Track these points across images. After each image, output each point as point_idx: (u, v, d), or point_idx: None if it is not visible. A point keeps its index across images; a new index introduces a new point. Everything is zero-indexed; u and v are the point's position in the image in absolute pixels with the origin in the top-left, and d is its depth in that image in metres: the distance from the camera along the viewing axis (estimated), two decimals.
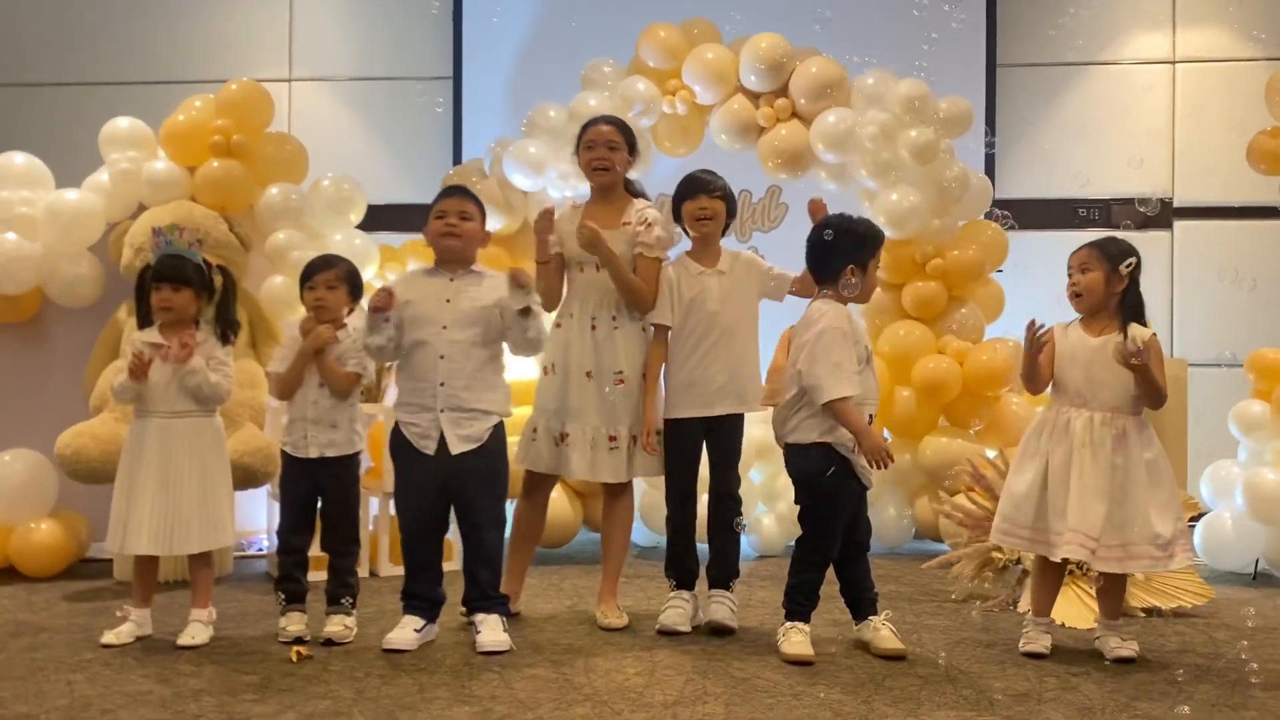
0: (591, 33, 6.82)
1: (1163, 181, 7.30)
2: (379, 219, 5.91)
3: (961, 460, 4.85)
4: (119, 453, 3.77)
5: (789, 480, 3.66)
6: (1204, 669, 3.48)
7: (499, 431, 3.70)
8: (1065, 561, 3.59)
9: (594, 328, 3.96)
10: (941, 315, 5.80)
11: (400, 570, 3.83)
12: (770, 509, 5.58)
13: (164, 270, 3.69)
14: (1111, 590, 3.65)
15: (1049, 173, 7.29)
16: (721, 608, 3.86)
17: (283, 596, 3.75)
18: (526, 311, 3.59)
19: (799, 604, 3.59)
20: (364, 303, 3.88)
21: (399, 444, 3.69)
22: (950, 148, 5.80)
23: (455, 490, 3.65)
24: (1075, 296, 3.63)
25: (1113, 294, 3.59)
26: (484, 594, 3.68)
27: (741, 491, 3.99)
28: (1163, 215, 7.22)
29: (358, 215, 5.76)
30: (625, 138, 4.05)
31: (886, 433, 5.87)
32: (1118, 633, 3.60)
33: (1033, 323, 3.62)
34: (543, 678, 3.27)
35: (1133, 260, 3.58)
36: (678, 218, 4.04)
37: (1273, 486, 4.94)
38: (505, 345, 3.74)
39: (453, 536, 3.79)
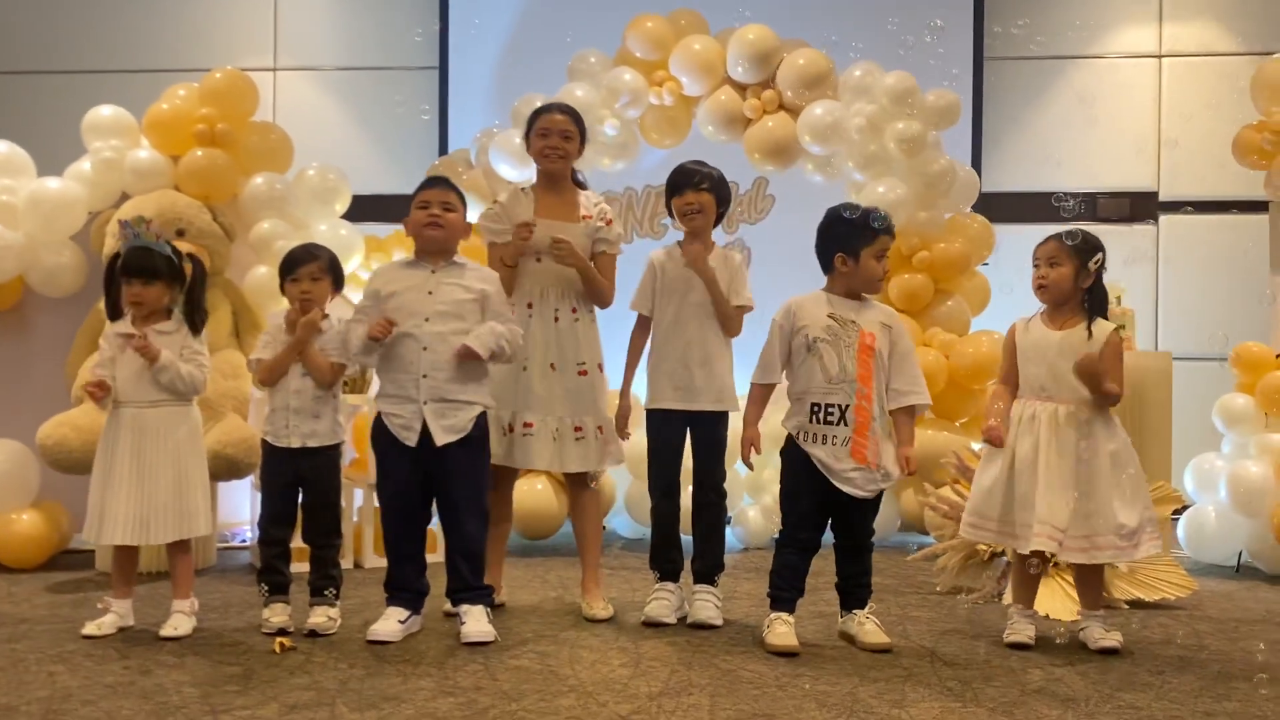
0: (578, 23, 6.80)
1: (1149, 175, 7.33)
2: (364, 209, 5.89)
3: (947, 453, 4.85)
4: None
5: (774, 473, 3.68)
6: (1187, 660, 3.49)
7: (482, 421, 3.69)
8: (1040, 553, 3.59)
9: (556, 319, 3.94)
10: (928, 308, 5.81)
11: (384, 561, 3.81)
12: (755, 501, 5.58)
13: (134, 264, 3.66)
14: (1089, 581, 3.66)
15: (1035, 166, 7.31)
16: (706, 606, 3.85)
17: (266, 588, 3.74)
18: (494, 358, 3.62)
19: (780, 589, 3.59)
20: (346, 292, 3.86)
21: (380, 435, 3.67)
22: (938, 140, 5.81)
23: (438, 481, 3.64)
24: (1040, 289, 3.64)
25: (1079, 289, 3.60)
26: (467, 584, 3.66)
27: (727, 484, 3.98)
28: (1148, 209, 7.25)
29: (343, 205, 5.73)
30: (579, 128, 4.04)
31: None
32: (1101, 623, 3.61)
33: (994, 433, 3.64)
34: (527, 669, 3.27)
35: (1100, 257, 3.59)
36: (670, 212, 4.03)
37: (1255, 479, 4.97)
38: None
39: (434, 527, 3.77)
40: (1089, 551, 3.50)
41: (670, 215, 4.03)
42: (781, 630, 3.52)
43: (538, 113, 4.05)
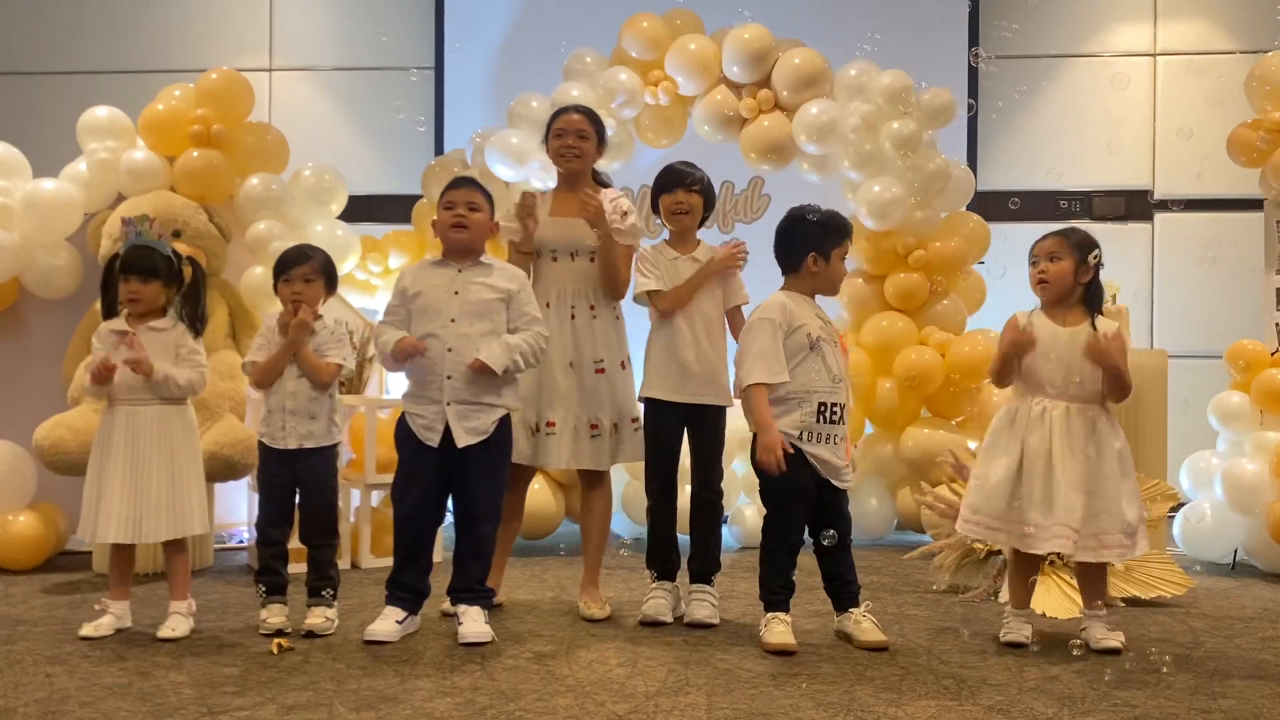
0: (574, 23, 6.81)
1: (1143, 173, 7.34)
2: (360, 209, 5.90)
3: (943, 451, 4.86)
4: None
5: None
6: (1184, 658, 3.50)
7: (505, 424, 3.68)
8: (1039, 554, 3.60)
9: (573, 317, 3.96)
10: (923, 306, 5.82)
11: (382, 562, 3.82)
12: (752, 500, 5.59)
13: (133, 261, 3.67)
14: (1092, 580, 3.66)
15: (1030, 165, 7.32)
16: (703, 606, 3.86)
17: (263, 589, 3.74)
18: (510, 371, 3.62)
19: (774, 593, 3.60)
20: (342, 293, 3.87)
21: (404, 435, 3.67)
22: (933, 139, 5.81)
23: (457, 482, 3.65)
24: (1041, 284, 3.65)
25: (1078, 284, 3.61)
26: (471, 586, 3.67)
27: (724, 484, 3.98)
28: (1143, 207, 7.26)
29: (339, 206, 5.73)
30: (595, 128, 4.06)
31: (869, 425, 5.89)
32: (1103, 623, 3.61)
33: (1019, 324, 3.62)
34: (525, 669, 3.27)
35: (1098, 251, 3.60)
36: (655, 209, 4.04)
37: (1251, 477, 4.98)
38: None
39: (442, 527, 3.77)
40: (1097, 550, 3.51)
41: (655, 212, 4.04)
42: (779, 629, 3.52)
43: (556, 114, 4.09)
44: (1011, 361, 3.62)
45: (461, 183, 3.78)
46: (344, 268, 5.43)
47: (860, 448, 5.77)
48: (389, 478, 3.86)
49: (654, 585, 3.95)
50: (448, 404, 3.59)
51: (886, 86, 5.61)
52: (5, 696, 2.98)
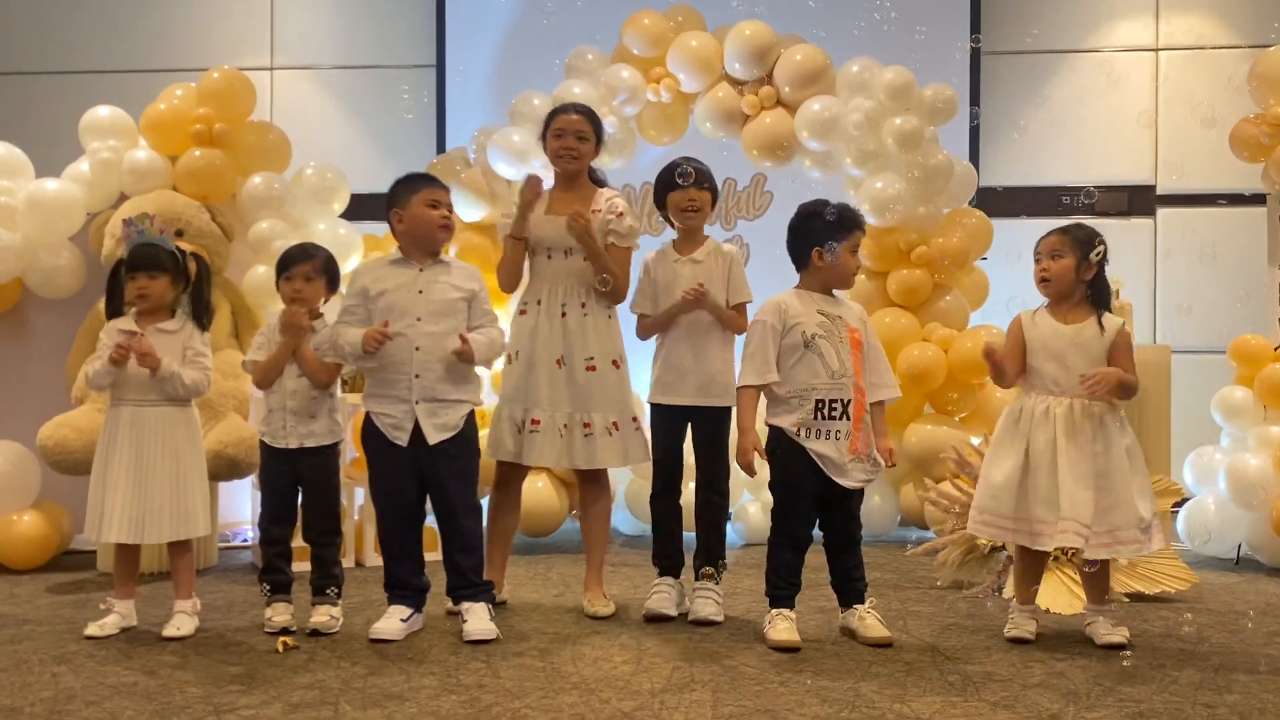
0: (575, 20, 6.79)
1: (1146, 168, 7.32)
2: (362, 208, 5.88)
3: (946, 447, 4.86)
4: None
5: None
6: (1188, 653, 3.50)
7: (472, 418, 3.71)
8: (1045, 550, 3.60)
9: (564, 315, 3.94)
10: (926, 303, 5.81)
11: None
12: (756, 497, 5.59)
13: (139, 258, 3.67)
14: (1096, 576, 3.66)
15: (1033, 160, 7.31)
16: (707, 603, 3.86)
17: (267, 587, 3.74)
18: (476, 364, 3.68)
19: (779, 588, 3.60)
20: (343, 290, 3.87)
21: (371, 434, 3.68)
22: (935, 135, 5.81)
23: (431, 480, 3.65)
24: (1043, 282, 3.65)
25: (1081, 280, 3.61)
26: (468, 581, 3.67)
27: (729, 483, 3.99)
28: (1146, 202, 7.25)
29: (341, 204, 5.73)
30: (594, 128, 4.03)
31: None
32: (1109, 618, 3.61)
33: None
34: (530, 666, 3.27)
35: (1102, 248, 3.60)
36: (660, 206, 4.03)
37: (1255, 472, 4.97)
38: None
39: (430, 524, 3.77)
40: (1112, 546, 3.50)
41: (659, 208, 4.03)
42: (783, 626, 3.53)
43: (554, 113, 4.05)
44: (1002, 362, 3.62)
45: (437, 182, 3.77)
46: (346, 266, 5.42)
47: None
48: None
49: (658, 581, 3.96)
50: (416, 402, 3.59)
51: (889, 83, 5.61)
52: (11, 696, 2.99)
